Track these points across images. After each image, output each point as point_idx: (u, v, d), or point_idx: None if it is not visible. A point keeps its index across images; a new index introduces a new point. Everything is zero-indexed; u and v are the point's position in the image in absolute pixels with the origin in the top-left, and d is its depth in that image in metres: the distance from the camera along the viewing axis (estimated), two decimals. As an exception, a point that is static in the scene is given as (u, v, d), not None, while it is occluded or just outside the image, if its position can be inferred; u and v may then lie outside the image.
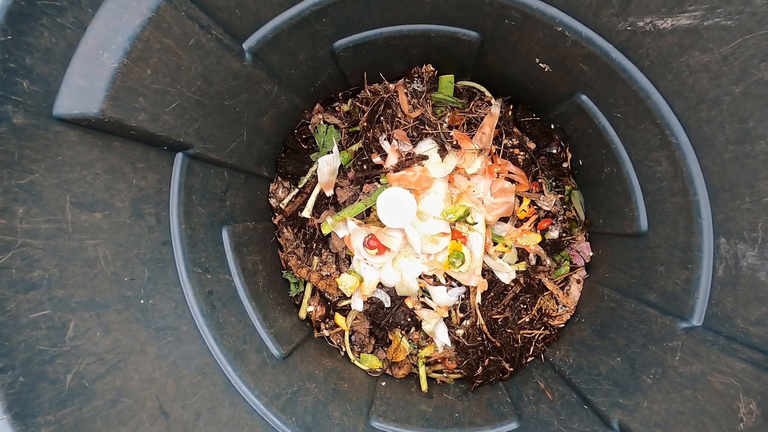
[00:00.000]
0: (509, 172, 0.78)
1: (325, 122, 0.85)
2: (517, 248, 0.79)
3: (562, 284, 0.80)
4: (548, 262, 0.79)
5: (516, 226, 0.79)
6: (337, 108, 0.87)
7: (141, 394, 0.45)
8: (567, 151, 0.79)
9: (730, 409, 0.41)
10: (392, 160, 0.78)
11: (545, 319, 0.79)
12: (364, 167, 0.81)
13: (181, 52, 0.48)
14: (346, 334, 0.83)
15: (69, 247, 0.43)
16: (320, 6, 0.58)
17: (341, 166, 0.82)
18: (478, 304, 0.77)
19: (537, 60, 0.66)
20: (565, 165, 0.80)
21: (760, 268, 0.44)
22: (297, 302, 0.84)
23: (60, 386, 0.38)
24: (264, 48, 0.60)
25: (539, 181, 0.80)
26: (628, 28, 0.48)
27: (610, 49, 0.53)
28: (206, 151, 0.61)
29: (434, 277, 0.78)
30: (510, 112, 0.82)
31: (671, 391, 0.49)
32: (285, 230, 0.86)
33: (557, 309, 0.79)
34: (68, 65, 0.39)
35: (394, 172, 0.78)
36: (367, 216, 0.80)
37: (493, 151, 0.79)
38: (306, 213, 0.83)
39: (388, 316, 0.81)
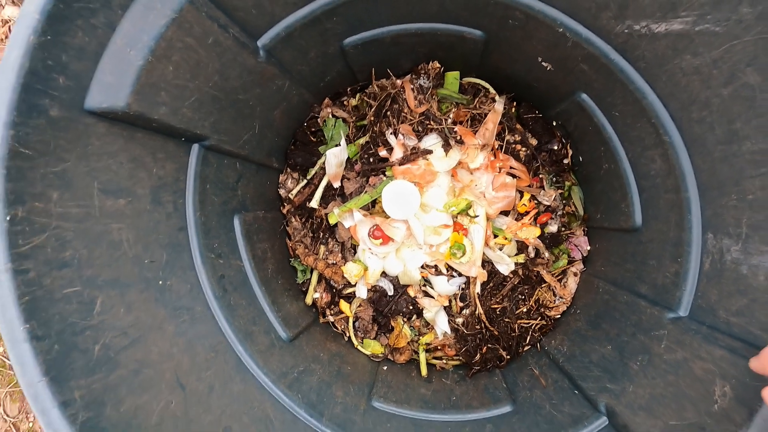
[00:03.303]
0: (511, 168, 0.81)
1: (333, 116, 0.88)
2: (517, 241, 0.82)
3: (559, 276, 0.83)
4: (547, 255, 0.82)
5: (516, 219, 0.82)
6: (345, 102, 0.90)
7: (160, 367, 0.49)
8: (568, 147, 0.81)
9: (707, 392, 0.44)
10: (398, 153, 0.81)
11: (542, 309, 0.81)
12: (371, 160, 0.84)
13: (200, 50, 0.51)
14: (350, 320, 0.86)
15: (96, 230, 0.46)
16: (331, 5, 0.61)
17: (348, 158, 0.85)
18: (478, 294, 0.80)
19: (539, 59, 0.68)
20: (565, 161, 0.82)
21: (743, 262, 0.47)
22: (304, 289, 0.88)
23: (89, 355, 0.42)
24: (277, 45, 0.63)
25: (540, 176, 0.83)
26: (626, 30, 0.51)
27: (609, 50, 0.55)
28: (221, 142, 0.65)
29: (436, 267, 0.81)
30: (513, 109, 0.85)
31: (655, 376, 0.51)
32: (293, 220, 0.90)
33: (554, 300, 0.82)
34: (99, 62, 0.42)
35: (400, 165, 0.80)
36: (372, 207, 0.83)
37: (496, 147, 0.82)
38: (314, 203, 0.86)
39: (391, 304, 0.84)
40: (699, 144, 0.50)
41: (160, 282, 0.55)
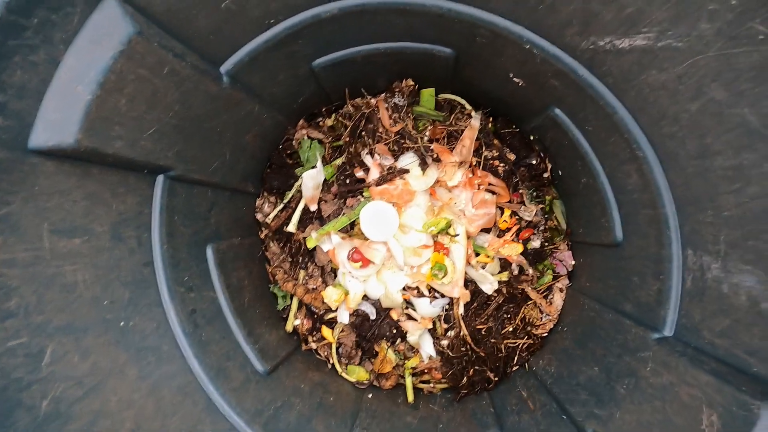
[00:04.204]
0: (490, 184, 0.79)
1: (309, 138, 0.86)
2: (500, 259, 0.80)
3: (545, 293, 0.81)
4: (531, 271, 0.80)
5: (498, 236, 0.80)
6: (321, 123, 0.88)
7: (119, 416, 0.46)
8: (546, 161, 0.80)
9: (694, 421, 0.42)
10: (374, 174, 0.79)
11: (529, 328, 0.79)
12: (347, 181, 0.82)
13: (156, 81, 0.49)
14: (333, 346, 0.84)
15: (47, 273, 0.44)
16: (295, 29, 0.59)
17: (325, 180, 0.84)
18: (462, 315, 0.78)
19: (511, 75, 0.67)
20: (545, 175, 0.81)
21: (724, 281, 0.45)
22: (284, 316, 0.85)
23: (35, 412, 0.39)
24: (242, 70, 0.61)
25: (520, 191, 0.81)
26: (591, 46, 0.50)
27: (577, 66, 0.54)
28: (188, 172, 0.63)
29: (418, 289, 0.79)
30: (490, 124, 0.84)
31: (642, 401, 0.49)
32: (272, 244, 0.87)
33: (541, 318, 0.80)
34: (42, 99, 0.40)
35: (377, 185, 0.79)
36: (351, 230, 0.81)
37: (474, 163, 0.80)
38: (291, 227, 0.84)
39: (374, 328, 0.82)
40: (672, 159, 0.49)
41: (122, 323, 0.52)
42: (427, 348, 0.79)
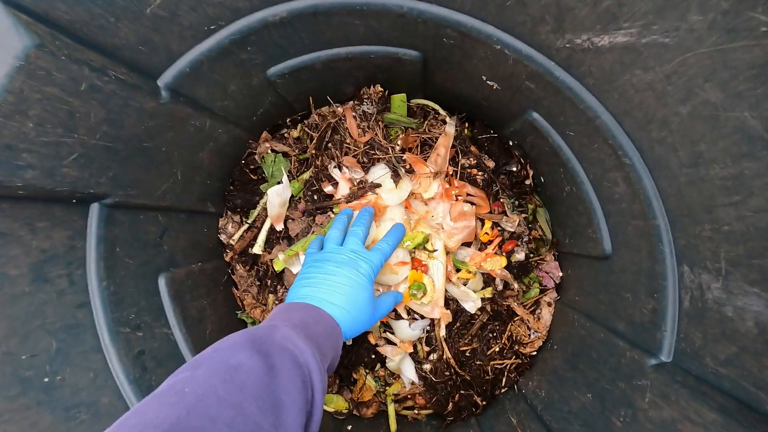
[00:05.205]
0: (468, 194, 0.74)
1: (273, 151, 0.80)
2: (483, 274, 0.75)
3: (532, 308, 0.76)
4: (516, 286, 0.75)
5: (479, 250, 0.75)
6: (285, 134, 0.82)
7: (38, 496, 0.39)
8: (528, 168, 0.75)
9: (701, 470, 0.37)
10: (344, 189, 0.73)
11: (516, 347, 0.74)
12: (315, 197, 0.76)
13: (71, 99, 0.42)
14: (309, 375, 0.77)
15: (-61, 334, 0.37)
16: (241, 35, 0.53)
17: (292, 196, 0.77)
18: (444, 337, 0.72)
19: (484, 78, 0.61)
20: (527, 182, 0.76)
21: (726, 303, 0.40)
22: (253, 345, 0.79)
23: None
24: (184, 83, 0.55)
25: (501, 201, 0.76)
26: (567, 45, 0.44)
27: (553, 66, 0.49)
28: (129, 197, 0.56)
29: (395, 310, 0.73)
30: (466, 130, 0.78)
31: (641, 440, 0.44)
32: (238, 267, 0.81)
33: (529, 335, 0.75)
34: None
35: (347, 202, 0.73)
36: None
37: (450, 173, 0.75)
38: (257, 249, 0.77)
39: (351, 354, 0.76)
40: (662, 167, 0.44)
41: (46, 379, 0.45)
42: (409, 373, 0.73)
